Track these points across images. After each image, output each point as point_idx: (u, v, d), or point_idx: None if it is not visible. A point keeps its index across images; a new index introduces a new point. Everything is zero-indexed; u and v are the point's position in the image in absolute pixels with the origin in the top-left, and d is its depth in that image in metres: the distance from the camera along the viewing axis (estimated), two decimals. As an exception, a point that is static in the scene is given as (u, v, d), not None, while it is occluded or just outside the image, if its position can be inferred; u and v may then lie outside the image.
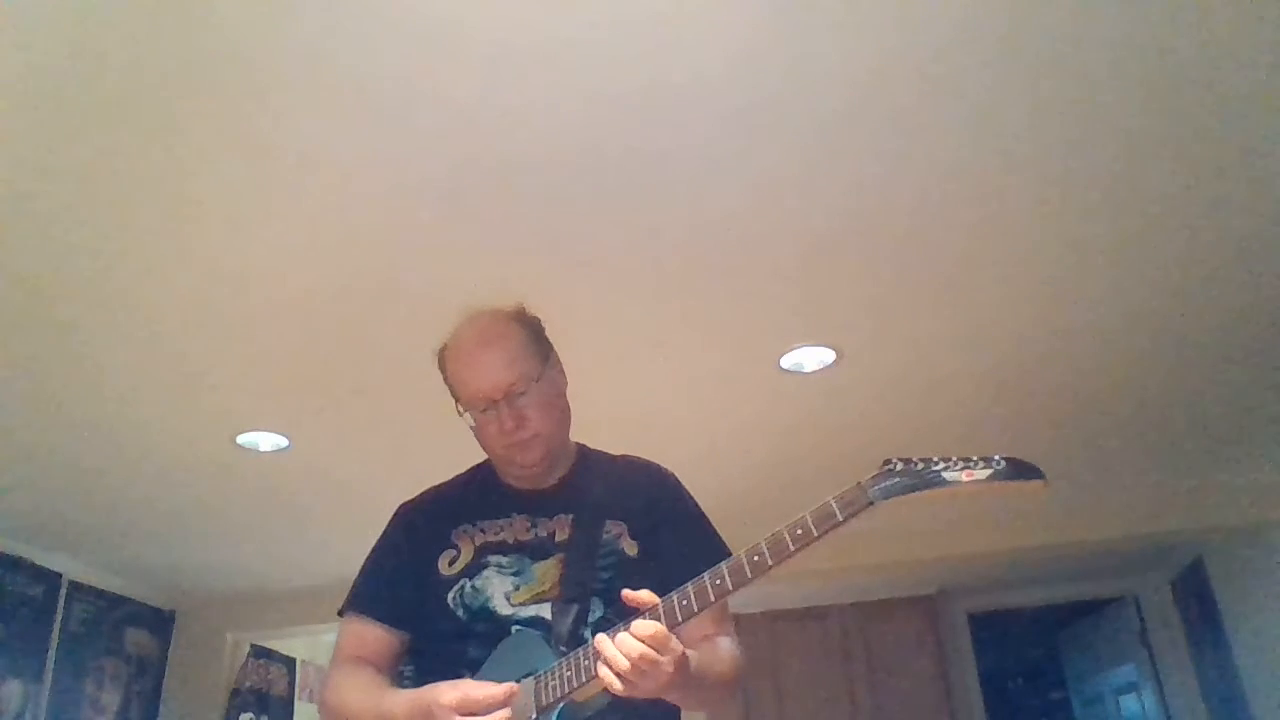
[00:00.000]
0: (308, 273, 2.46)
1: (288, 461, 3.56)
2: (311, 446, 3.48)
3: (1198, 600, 4.93)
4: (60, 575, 4.45)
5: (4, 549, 4.16)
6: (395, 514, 1.57)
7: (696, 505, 1.54)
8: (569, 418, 1.51)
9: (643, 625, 1.16)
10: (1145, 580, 5.48)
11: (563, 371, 1.52)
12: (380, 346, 2.83)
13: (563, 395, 1.50)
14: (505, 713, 1.22)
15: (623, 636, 1.16)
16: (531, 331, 1.48)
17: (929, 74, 1.91)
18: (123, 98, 1.85)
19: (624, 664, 1.15)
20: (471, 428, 1.46)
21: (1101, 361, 3.13)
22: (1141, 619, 5.50)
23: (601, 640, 1.18)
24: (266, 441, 3.40)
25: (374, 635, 1.46)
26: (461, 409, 1.45)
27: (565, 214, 2.29)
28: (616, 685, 1.15)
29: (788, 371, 3.10)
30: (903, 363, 3.11)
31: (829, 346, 2.98)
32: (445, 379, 1.48)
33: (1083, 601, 5.89)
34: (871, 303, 2.75)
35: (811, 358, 3.03)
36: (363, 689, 1.39)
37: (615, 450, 1.62)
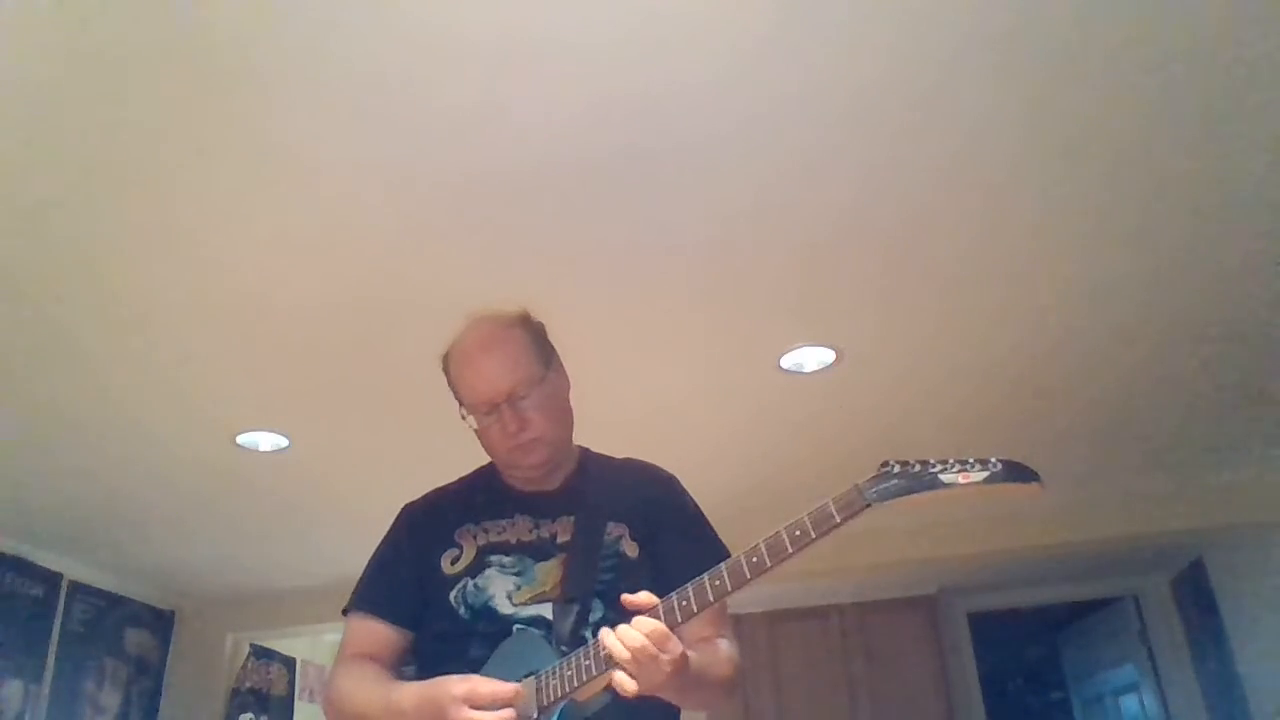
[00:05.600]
0: (308, 274, 2.46)
1: (288, 461, 3.56)
2: (311, 446, 3.48)
3: (1198, 600, 4.93)
4: (60, 575, 4.46)
5: (4, 549, 4.16)
6: (399, 514, 1.59)
7: (697, 507, 1.56)
8: (571, 421, 1.53)
9: (644, 621, 1.17)
10: (1145, 580, 5.47)
11: (565, 375, 1.53)
12: (380, 347, 2.83)
13: (565, 398, 1.52)
14: (510, 712, 1.23)
15: (623, 628, 1.18)
16: (534, 335, 1.50)
17: (930, 76, 1.91)
18: (123, 99, 1.85)
19: (624, 653, 1.16)
20: (475, 431, 1.47)
21: (1101, 361, 3.14)
22: (1141, 619, 5.50)
23: (604, 632, 1.20)
24: (266, 441, 3.41)
25: (378, 633, 1.47)
26: (465, 412, 1.47)
27: (566, 216, 2.29)
28: (629, 686, 1.16)
29: (788, 371, 3.10)
30: (903, 363, 3.11)
31: (829, 346, 2.98)
32: (449, 382, 1.50)
33: (1083, 601, 5.88)
34: (871, 303, 2.75)
35: (811, 358, 3.04)
36: (369, 683, 1.40)
37: (616, 450, 1.63)
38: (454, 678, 1.27)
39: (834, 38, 1.81)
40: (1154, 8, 1.76)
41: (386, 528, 1.59)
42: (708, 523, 1.54)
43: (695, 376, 3.16)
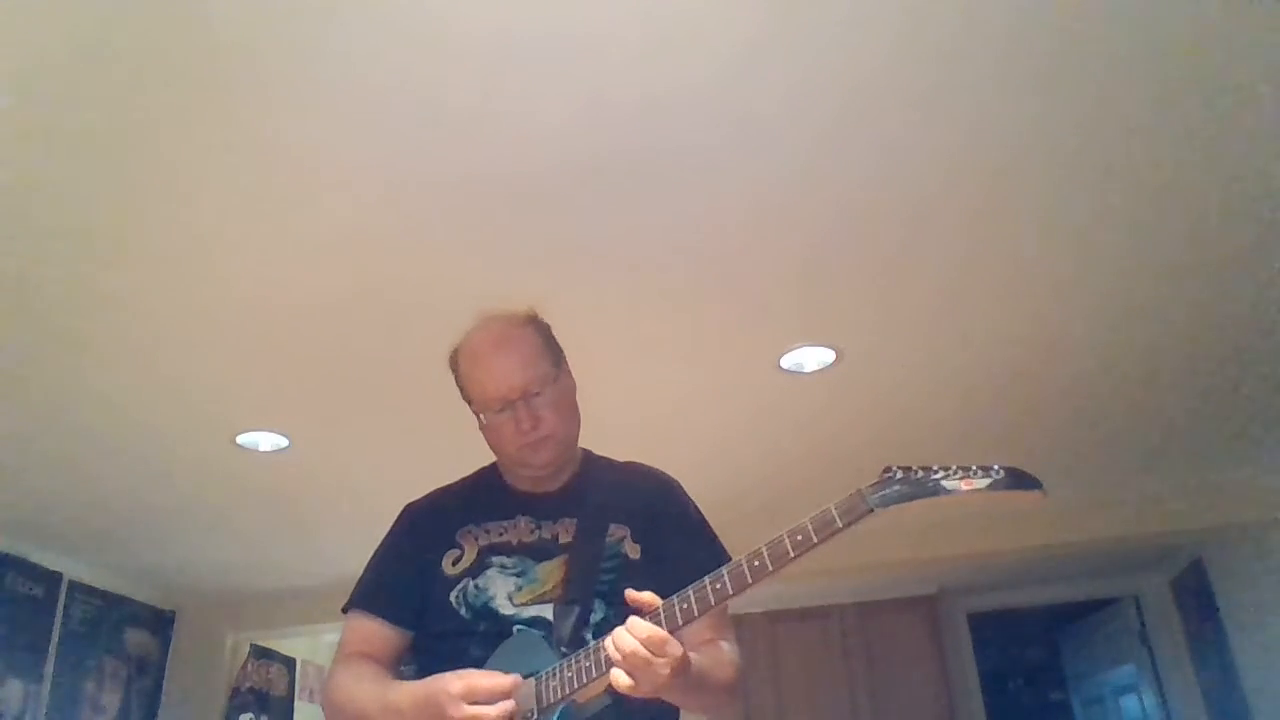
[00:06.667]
0: (308, 274, 2.46)
1: (288, 461, 3.56)
2: (311, 446, 3.48)
3: (1198, 600, 4.93)
4: (60, 575, 4.46)
5: (4, 549, 4.16)
6: (401, 513, 1.59)
7: (699, 512, 1.56)
8: (579, 420, 1.53)
9: (639, 625, 1.17)
10: (1145, 580, 5.48)
11: (572, 375, 1.54)
12: (380, 347, 2.83)
13: (574, 398, 1.52)
14: (510, 704, 1.24)
15: (619, 631, 1.18)
16: (544, 334, 1.51)
17: (930, 77, 1.91)
18: (123, 99, 1.85)
19: (617, 656, 1.17)
20: (483, 429, 1.48)
21: (1102, 361, 3.14)
22: (1141, 619, 5.50)
23: (605, 639, 1.20)
24: (266, 441, 3.40)
25: (378, 632, 1.47)
26: (476, 411, 1.47)
27: (565, 216, 2.29)
28: (624, 682, 1.16)
29: (788, 371, 3.10)
30: (902, 363, 3.11)
31: (829, 346, 2.98)
32: (458, 381, 1.50)
33: (1083, 601, 5.89)
34: (871, 303, 2.75)
35: (811, 358, 3.04)
36: (368, 682, 1.40)
37: (616, 450, 1.63)
38: (450, 674, 1.28)
39: (833, 38, 1.80)
40: (1153, 6, 1.76)
41: (386, 528, 1.59)
42: (709, 527, 1.54)
43: (695, 376, 3.16)
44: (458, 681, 1.25)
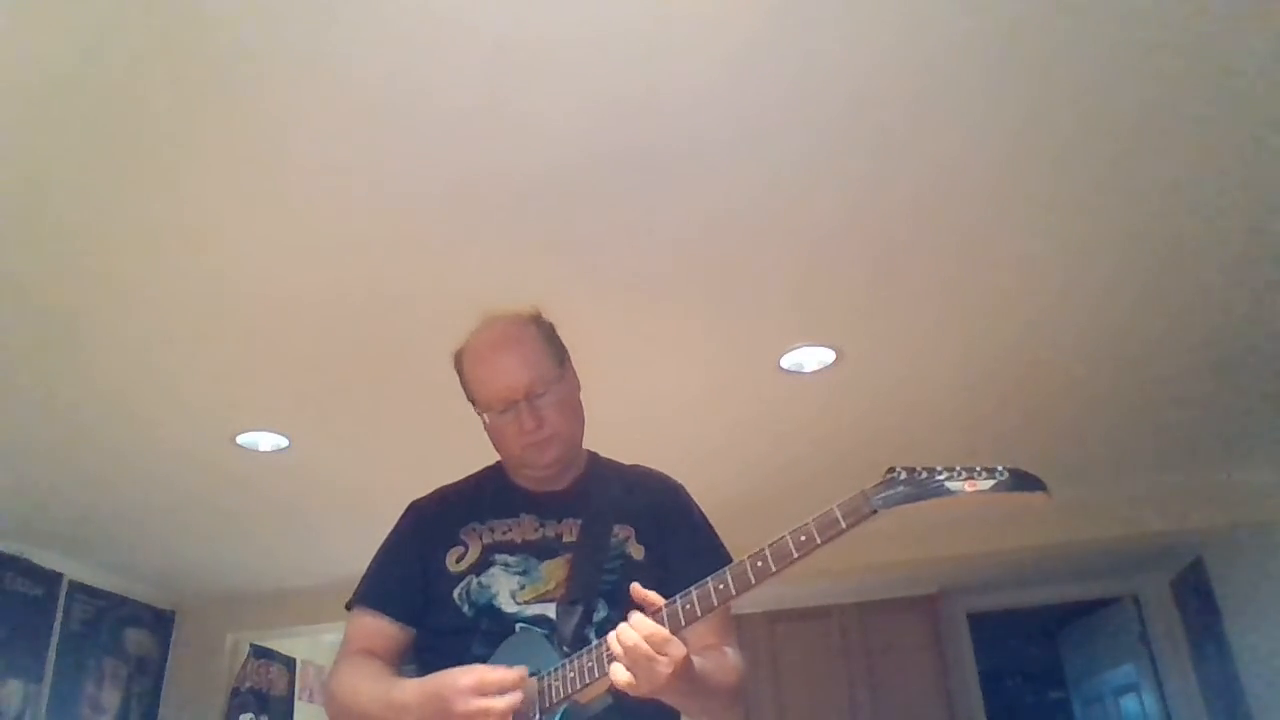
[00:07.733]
0: (308, 274, 2.46)
1: (288, 461, 3.56)
2: (311, 446, 3.48)
3: (1198, 600, 4.93)
4: (60, 575, 4.46)
5: (4, 549, 4.16)
6: (406, 510, 1.59)
7: (703, 515, 1.57)
8: (583, 420, 1.53)
9: (642, 622, 1.18)
10: (1145, 580, 5.48)
11: (576, 375, 1.53)
12: (380, 347, 2.83)
13: (577, 398, 1.52)
14: (517, 695, 1.24)
15: (622, 626, 1.18)
16: (547, 334, 1.50)
17: (928, 76, 1.91)
18: (123, 100, 1.85)
19: (618, 650, 1.17)
20: (487, 429, 1.48)
21: (1101, 361, 3.14)
22: (1141, 619, 5.50)
23: (608, 635, 1.21)
24: (266, 441, 3.40)
25: (381, 630, 1.47)
26: (480, 411, 1.47)
27: (565, 216, 2.29)
28: (623, 678, 1.16)
29: (788, 371, 3.10)
30: (902, 363, 3.11)
31: (829, 346, 2.98)
32: (462, 380, 1.50)
33: (1083, 601, 5.89)
34: (871, 303, 2.75)
35: (811, 358, 3.04)
36: (371, 679, 1.40)
37: (616, 451, 1.63)
38: (458, 669, 1.27)
39: (833, 37, 1.81)
40: (1151, 8, 1.76)
41: (386, 527, 1.58)
42: (713, 530, 1.55)
43: (695, 376, 3.16)
44: (466, 675, 1.25)
